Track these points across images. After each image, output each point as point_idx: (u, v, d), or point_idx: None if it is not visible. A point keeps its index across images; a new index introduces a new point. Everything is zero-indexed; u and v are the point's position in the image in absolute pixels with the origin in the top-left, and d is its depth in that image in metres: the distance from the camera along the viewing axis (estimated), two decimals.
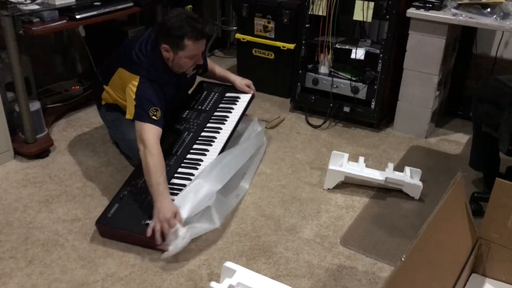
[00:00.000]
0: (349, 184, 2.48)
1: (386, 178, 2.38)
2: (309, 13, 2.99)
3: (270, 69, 3.45)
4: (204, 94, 2.76)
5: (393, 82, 3.02)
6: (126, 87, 2.30)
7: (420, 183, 2.39)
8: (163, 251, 1.96)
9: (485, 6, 2.59)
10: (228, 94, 2.77)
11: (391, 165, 2.49)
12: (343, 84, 3.05)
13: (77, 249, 2.03)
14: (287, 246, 2.09)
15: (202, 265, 1.96)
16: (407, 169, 2.45)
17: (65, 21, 2.60)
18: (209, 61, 2.80)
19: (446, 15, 2.66)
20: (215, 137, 2.45)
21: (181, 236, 1.94)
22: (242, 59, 3.58)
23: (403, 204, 2.39)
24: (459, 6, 2.66)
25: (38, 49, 3.15)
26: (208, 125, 2.53)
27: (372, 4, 2.78)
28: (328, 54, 3.05)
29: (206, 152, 2.35)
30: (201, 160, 2.30)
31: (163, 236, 1.95)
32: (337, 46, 3.02)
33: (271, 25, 3.33)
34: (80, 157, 2.68)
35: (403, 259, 1.27)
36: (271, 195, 2.43)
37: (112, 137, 2.76)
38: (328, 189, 2.47)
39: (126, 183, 2.21)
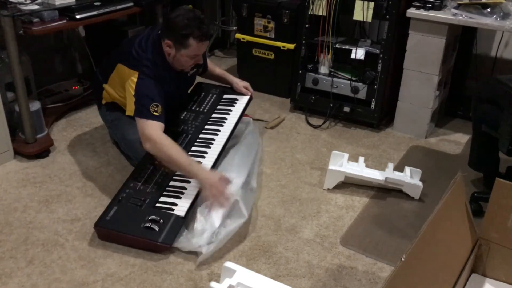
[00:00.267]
0: (349, 184, 2.48)
1: (386, 178, 2.38)
2: (309, 13, 2.99)
3: (270, 69, 3.45)
4: (202, 95, 2.75)
5: (393, 82, 3.02)
6: (125, 83, 2.30)
7: (420, 183, 2.39)
8: (163, 253, 1.97)
9: (485, 6, 2.59)
10: (226, 96, 2.76)
11: (391, 165, 2.49)
12: (343, 84, 3.05)
13: (77, 249, 2.03)
14: (287, 246, 2.09)
15: (202, 265, 1.96)
16: (407, 169, 2.45)
17: (65, 21, 2.60)
18: (208, 61, 2.80)
19: (446, 15, 2.66)
20: (213, 139, 2.44)
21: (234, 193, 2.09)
22: (242, 59, 3.58)
23: (403, 204, 2.39)
24: (459, 6, 2.66)
25: (38, 49, 3.15)
26: (207, 127, 2.52)
27: (372, 4, 2.78)
28: (328, 54, 3.05)
29: (205, 154, 2.34)
30: (200, 162, 2.29)
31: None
32: (337, 46, 3.02)
33: (271, 25, 3.33)
34: (80, 157, 2.68)
35: (403, 259, 1.27)
36: (271, 195, 2.43)
37: (112, 137, 2.76)
38: (328, 189, 2.47)
39: (125, 185, 2.19)
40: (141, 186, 2.17)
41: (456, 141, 2.99)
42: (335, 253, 2.06)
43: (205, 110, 2.63)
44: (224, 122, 2.56)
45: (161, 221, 2.01)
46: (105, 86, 2.52)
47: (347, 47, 2.99)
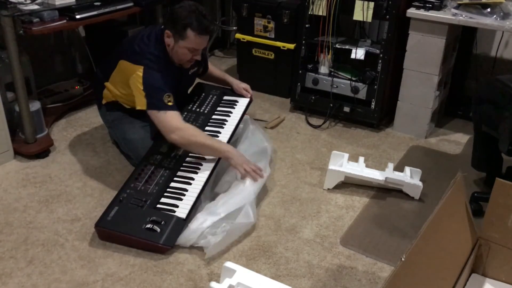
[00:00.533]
0: (349, 184, 2.48)
1: (386, 178, 2.38)
2: (309, 13, 2.99)
3: (270, 69, 3.45)
4: (202, 96, 2.74)
5: (393, 82, 3.02)
6: (129, 79, 2.30)
7: (420, 183, 2.39)
8: (162, 254, 1.97)
9: (485, 6, 2.59)
10: (226, 98, 2.76)
11: (391, 165, 2.49)
12: (343, 84, 3.05)
13: (77, 249, 2.03)
14: (287, 246, 2.09)
15: (202, 265, 1.96)
16: (407, 169, 2.45)
17: (65, 21, 2.59)
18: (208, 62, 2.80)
19: (446, 15, 2.66)
20: None
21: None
22: (242, 59, 3.58)
23: (403, 204, 2.39)
24: (459, 6, 2.66)
25: (38, 49, 3.16)
26: (207, 128, 2.51)
27: (372, 4, 2.78)
28: (328, 54, 3.05)
29: (205, 156, 2.34)
30: (201, 164, 2.29)
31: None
32: (337, 46, 3.02)
33: (271, 25, 3.33)
34: (80, 157, 2.68)
35: (403, 259, 1.27)
36: (271, 195, 2.42)
37: (112, 137, 2.76)
38: (328, 189, 2.47)
39: (126, 185, 2.18)
40: (142, 187, 2.16)
41: (456, 141, 2.99)
42: (335, 253, 2.06)
43: (206, 111, 2.62)
44: (225, 124, 2.55)
45: (163, 222, 2.01)
46: (106, 84, 2.51)
47: (347, 47, 2.99)
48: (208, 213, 2.06)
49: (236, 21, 3.89)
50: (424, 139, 2.99)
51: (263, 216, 2.27)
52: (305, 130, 3.07)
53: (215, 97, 2.74)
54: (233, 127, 2.54)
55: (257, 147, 2.54)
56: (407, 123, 3.02)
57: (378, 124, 3.08)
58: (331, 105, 3.09)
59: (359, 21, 3.17)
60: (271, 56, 3.41)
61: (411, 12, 2.74)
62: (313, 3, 2.95)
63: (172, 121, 2.22)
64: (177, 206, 2.08)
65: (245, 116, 2.76)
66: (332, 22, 2.92)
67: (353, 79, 3.03)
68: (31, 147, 2.64)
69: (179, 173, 2.25)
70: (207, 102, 2.70)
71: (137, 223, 2.01)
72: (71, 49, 3.47)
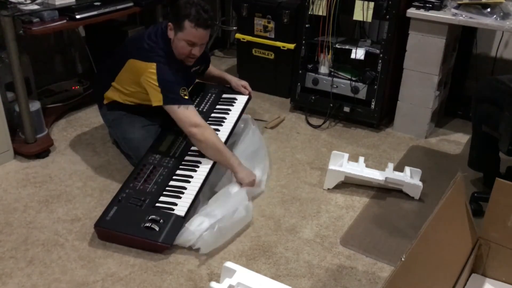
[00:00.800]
0: (349, 184, 2.48)
1: (386, 178, 2.38)
2: (309, 13, 2.99)
3: (270, 69, 3.45)
4: (201, 94, 2.75)
5: (393, 82, 3.02)
6: (140, 77, 2.30)
7: (420, 183, 2.39)
8: (163, 253, 1.97)
9: (485, 6, 2.59)
10: (225, 95, 2.76)
11: (391, 165, 2.49)
12: (343, 84, 3.05)
13: (77, 249, 2.03)
14: (287, 246, 2.09)
15: (202, 265, 1.96)
16: (407, 169, 2.45)
17: (65, 21, 2.60)
18: None
19: (446, 15, 2.66)
20: None
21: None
22: (242, 59, 3.58)
23: (403, 204, 2.39)
24: (459, 6, 2.66)
25: (38, 49, 3.16)
26: None
27: (372, 4, 2.78)
28: (328, 54, 3.05)
29: (205, 156, 2.34)
30: (200, 162, 2.29)
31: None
32: (337, 46, 3.02)
33: (271, 25, 3.33)
34: (80, 157, 2.68)
35: (403, 259, 1.27)
36: (271, 195, 2.42)
37: (113, 137, 2.76)
38: (328, 189, 2.47)
39: (125, 185, 2.19)
40: (141, 186, 2.16)
41: (456, 141, 2.99)
42: (335, 253, 2.06)
43: (204, 110, 2.63)
44: (224, 122, 2.56)
45: (161, 221, 2.01)
46: (113, 84, 2.50)
47: (347, 47, 2.99)
48: (206, 214, 2.06)
49: (236, 21, 3.89)
50: (424, 139, 2.99)
51: (263, 216, 2.27)
52: (305, 130, 3.07)
53: (214, 95, 2.75)
54: (232, 124, 2.55)
55: (256, 148, 2.55)
56: (407, 123, 3.02)
57: (378, 124, 3.08)
58: (331, 105, 3.09)
59: (359, 21, 3.17)
60: (271, 56, 3.41)
61: (411, 12, 2.74)
62: (313, 3, 2.95)
63: (194, 117, 2.27)
64: (175, 204, 2.08)
65: (247, 116, 2.77)
66: (332, 22, 2.92)
67: (353, 79, 3.03)
68: (31, 147, 2.64)
69: (178, 172, 2.25)
70: (206, 100, 2.70)
71: (136, 222, 2.01)
72: (71, 49, 3.47)
